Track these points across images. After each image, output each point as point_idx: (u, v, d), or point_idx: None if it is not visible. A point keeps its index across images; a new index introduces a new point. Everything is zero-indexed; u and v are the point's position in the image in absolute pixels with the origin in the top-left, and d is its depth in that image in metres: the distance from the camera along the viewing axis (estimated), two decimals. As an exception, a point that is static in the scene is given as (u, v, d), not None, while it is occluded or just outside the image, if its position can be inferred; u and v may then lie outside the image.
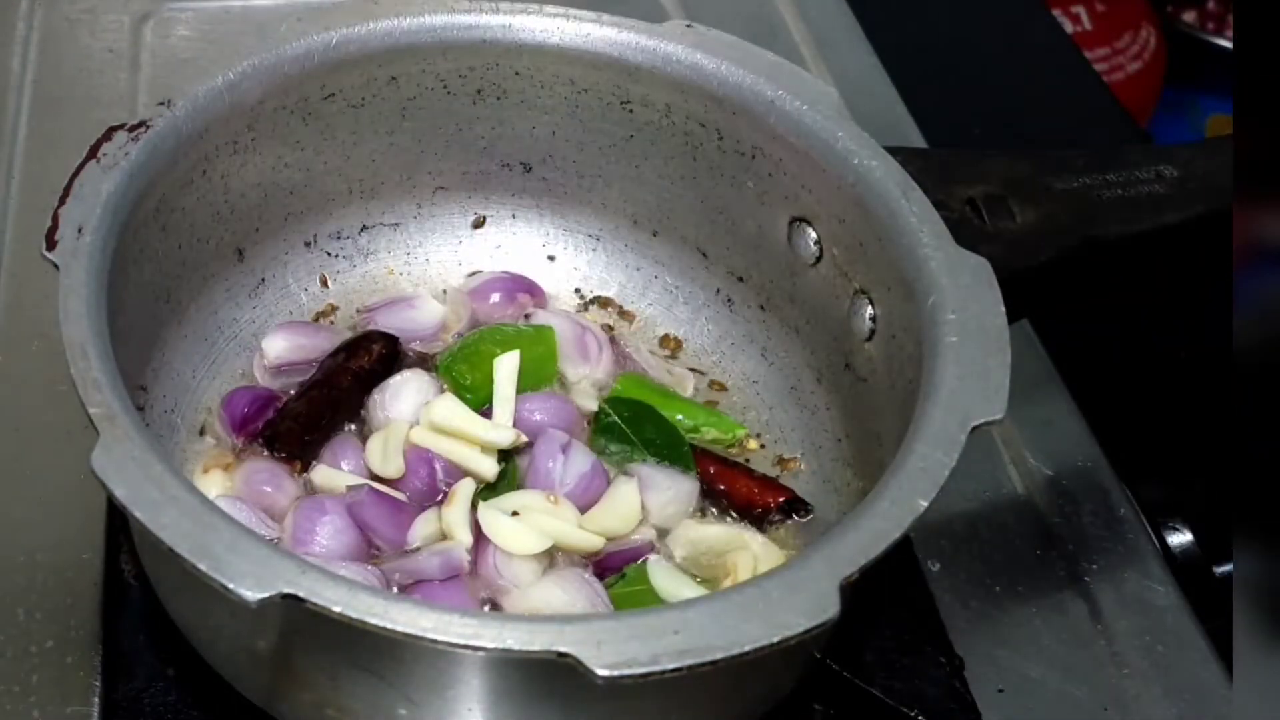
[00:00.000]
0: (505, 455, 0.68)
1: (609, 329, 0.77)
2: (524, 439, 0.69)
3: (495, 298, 0.77)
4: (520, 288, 0.77)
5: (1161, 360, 0.89)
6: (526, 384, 0.71)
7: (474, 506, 0.65)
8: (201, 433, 0.70)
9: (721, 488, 0.70)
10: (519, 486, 0.68)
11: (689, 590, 0.64)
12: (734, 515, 0.69)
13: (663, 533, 0.68)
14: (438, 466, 0.67)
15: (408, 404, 0.70)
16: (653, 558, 0.66)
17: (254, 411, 0.69)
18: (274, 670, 0.59)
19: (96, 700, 0.63)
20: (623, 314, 0.78)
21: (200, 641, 0.62)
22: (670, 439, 0.70)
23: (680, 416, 0.72)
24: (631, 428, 0.71)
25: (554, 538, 0.64)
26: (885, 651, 0.66)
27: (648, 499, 0.67)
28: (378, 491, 0.66)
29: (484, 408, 0.70)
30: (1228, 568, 0.76)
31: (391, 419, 0.69)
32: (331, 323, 0.76)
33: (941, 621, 0.69)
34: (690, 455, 0.70)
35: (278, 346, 0.72)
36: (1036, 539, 0.74)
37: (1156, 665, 0.69)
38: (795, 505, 0.69)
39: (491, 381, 0.71)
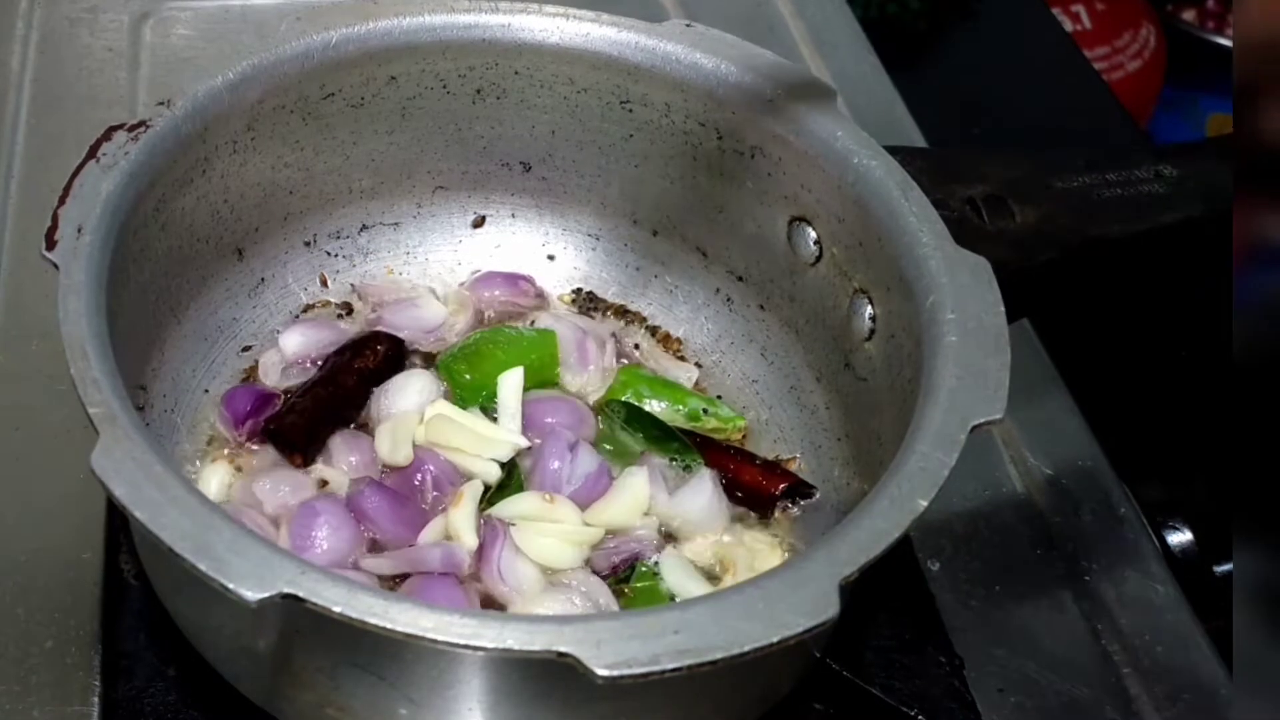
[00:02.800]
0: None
1: (610, 328, 0.77)
2: (524, 443, 0.69)
3: (496, 297, 0.77)
4: (520, 287, 0.77)
5: (1161, 360, 0.89)
6: (528, 387, 0.71)
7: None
8: (201, 433, 0.70)
9: (726, 475, 0.69)
10: (524, 487, 0.68)
11: (701, 587, 0.64)
12: (739, 502, 0.69)
13: (670, 530, 0.68)
14: (439, 468, 0.67)
15: (410, 403, 0.70)
16: (667, 553, 0.66)
17: (255, 409, 0.69)
18: (274, 670, 0.59)
19: (96, 700, 0.63)
20: (623, 314, 0.78)
21: (200, 641, 0.62)
22: (670, 437, 0.70)
23: (681, 406, 0.72)
24: (632, 427, 0.71)
25: (577, 544, 0.64)
26: (885, 651, 0.66)
27: (656, 494, 0.67)
28: (379, 484, 0.66)
29: (481, 406, 0.70)
30: (1228, 568, 0.76)
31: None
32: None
33: (941, 621, 0.69)
34: (694, 450, 0.70)
35: (295, 342, 0.72)
36: (1036, 539, 0.74)
37: (1156, 665, 0.69)
38: (799, 489, 0.69)
39: (490, 380, 0.71)
